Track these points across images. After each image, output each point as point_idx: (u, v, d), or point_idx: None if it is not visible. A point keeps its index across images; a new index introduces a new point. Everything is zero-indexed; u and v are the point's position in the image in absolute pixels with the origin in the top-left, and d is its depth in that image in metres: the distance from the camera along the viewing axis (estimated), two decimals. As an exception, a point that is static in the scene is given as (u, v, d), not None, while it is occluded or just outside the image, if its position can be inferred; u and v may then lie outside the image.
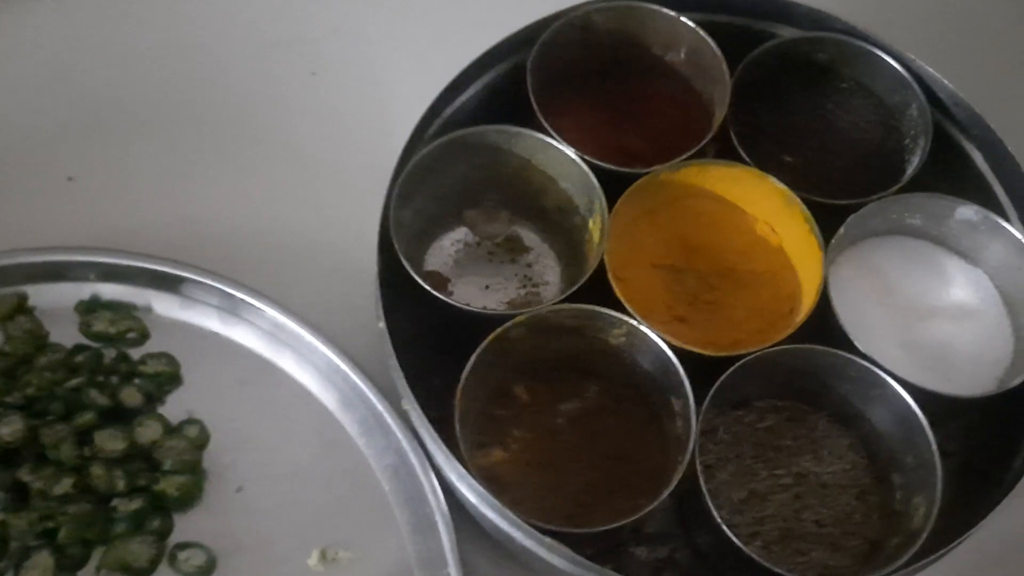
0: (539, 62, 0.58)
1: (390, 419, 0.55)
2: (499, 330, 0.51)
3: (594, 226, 0.56)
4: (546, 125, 0.56)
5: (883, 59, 0.59)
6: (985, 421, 0.54)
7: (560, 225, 0.60)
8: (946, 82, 0.57)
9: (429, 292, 0.53)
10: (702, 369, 0.51)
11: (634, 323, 0.52)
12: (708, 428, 0.54)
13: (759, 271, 0.57)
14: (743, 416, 0.54)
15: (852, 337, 0.51)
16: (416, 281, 0.53)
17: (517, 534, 0.48)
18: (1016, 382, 0.51)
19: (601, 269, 0.54)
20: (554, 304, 0.52)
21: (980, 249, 0.56)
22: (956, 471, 0.53)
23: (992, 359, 0.54)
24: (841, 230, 0.54)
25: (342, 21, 0.70)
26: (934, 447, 0.48)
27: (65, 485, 0.53)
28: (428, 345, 0.54)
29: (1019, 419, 0.52)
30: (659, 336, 0.51)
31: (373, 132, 0.63)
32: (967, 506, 0.50)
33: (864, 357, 0.50)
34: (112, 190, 0.64)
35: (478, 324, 0.52)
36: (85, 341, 0.59)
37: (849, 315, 0.52)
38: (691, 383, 0.51)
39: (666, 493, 0.48)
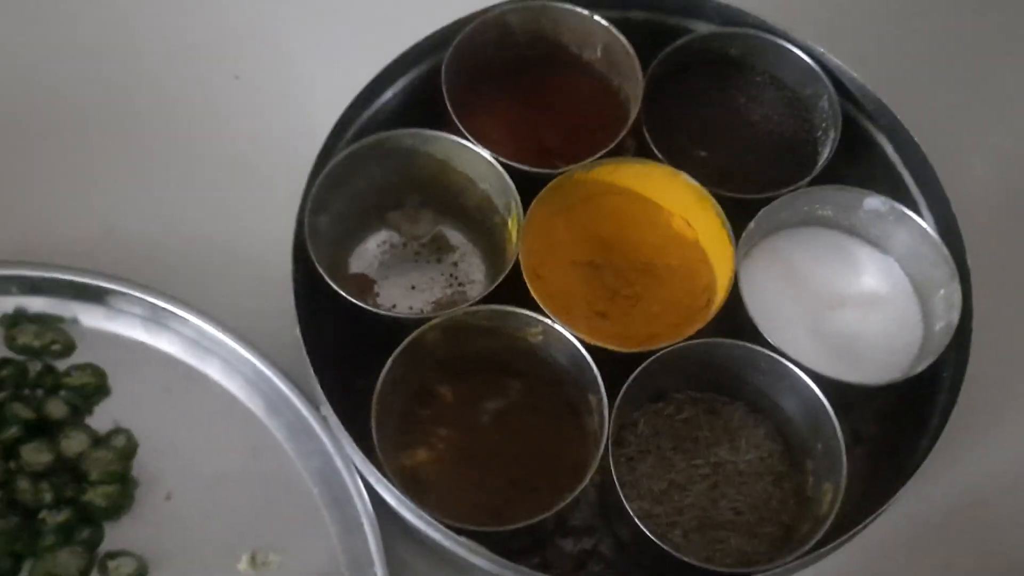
0: (454, 64, 0.58)
1: (315, 423, 0.56)
2: (414, 334, 0.52)
3: (512, 226, 0.57)
4: (461, 127, 0.57)
5: (793, 52, 0.60)
6: (898, 405, 0.55)
7: (482, 224, 0.61)
8: (854, 74, 0.58)
9: (343, 298, 0.53)
10: (619, 364, 0.52)
11: (549, 322, 0.52)
12: (628, 421, 0.55)
13: (675, 265, 0.58)
14: (662, 408, 0.55)
15: (761, 329, 0.52)
16: (331, 285, 0.53)
17: (436, 535, 0.48)
18: (919, 368, 0.52)
19: (519, 268, 0.54)
20: (469, 306, 0.53)
21: (889, 237, 0.57)
22: (868, 456, 0.55)
23: (901, 346, 0.55)
24: (751, 224, 0.55)
25: (263, 23, 0.70)
26: (839, 435, 0.50)
27: (-10, 499, 0.53)
28: (349, 349, 0.55)
29: (928, 402, 0.53)
30: (573, 335, 0.52)
31: (293, 136, 0.63)
32: (878, 491, 0.51)
33: (772, 348, 0.52)
34: (31, 202, 0.64)
35: (398, 327, 0.53)
36: (9, 354, 0.59)
37: (759, 307, 0.53)
38: (609, 378, 0.52)
39: (579, 488, 0.49)
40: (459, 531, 0.47)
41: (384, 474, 0.48)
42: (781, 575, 0.48)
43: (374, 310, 0.53)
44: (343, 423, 0.50)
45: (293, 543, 0.55)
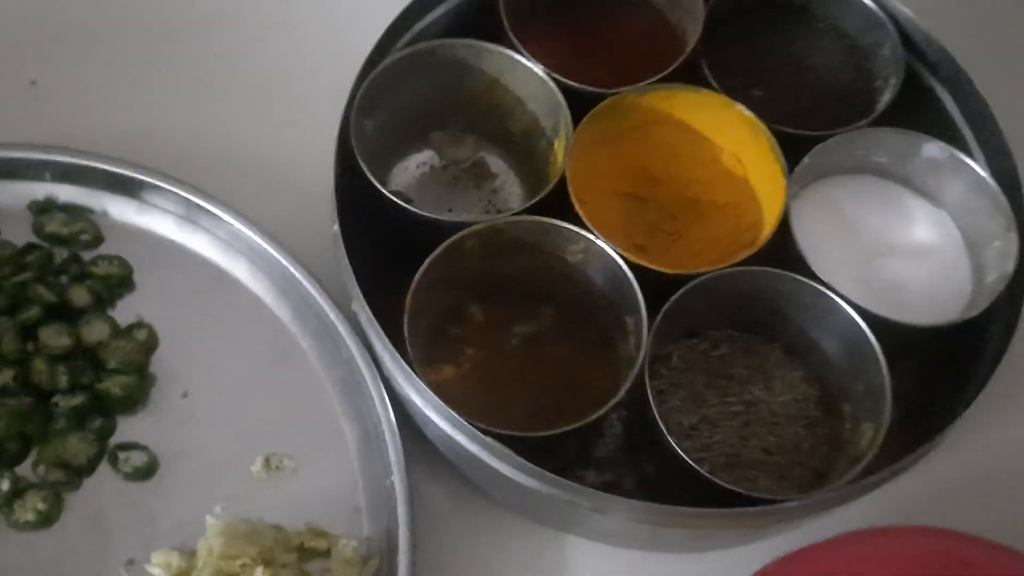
0: (513, -19, 0.57)
1: (343, 330, 0.55)
2: (454, 238, 0.51)
3: (559, 146, 0.55)
4: (516, 42, 0.56)
5: (858, -1, 0.58)
6: (939, 358, 0.53)
7: (526, 151, 0.60)
8: (920, 22, 0.57)
9: (386, 199, 0.52)
10: (658, 292, 0.51)
11: (591, 238, 0.51)
12: (662, 354, 0.53)
13: (721, 203, 0.57)
14: (697, 344, 0.54)
15: (810, 262, 0.50)
16: (372, 190, 0.52)
17: (461, 438, 0.47)
18: (972, 313, 0.50)
19: (563, 192, 0.53)
20: (511, 215, 0.52)
21: (944, 189, 0.55)
22: (907, 408, 0.53)
23: (950, 298, 0.54)
24: (806, 159, 0.53)
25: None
26: (885, 371, 0.48)
27: (5, 377, 0.53)
28: (384, 257, 0.53)
29: (972, 354, 0.52)
30: (616, 252, 0.51)
31: (340, 46, 0.61)
32: (915, 440, 0.49)
33: (820, 282, 0.50)
34: (75, 96, 0.64)
35: (435, 235, 0.52)
36: (37, 241, 0.58)
37: (808, 243, 0.51)
38: (646, 305, 0.50)
39: (614, 401, 0.47)
40: (487, 432, 0.46)
41: (414, 371, 0.47)
42: (812, 508, 0.46)
43: (414, 210, 0.52)
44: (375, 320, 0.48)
45: (310, 451, 0.54)
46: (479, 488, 0.53)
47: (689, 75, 0.57)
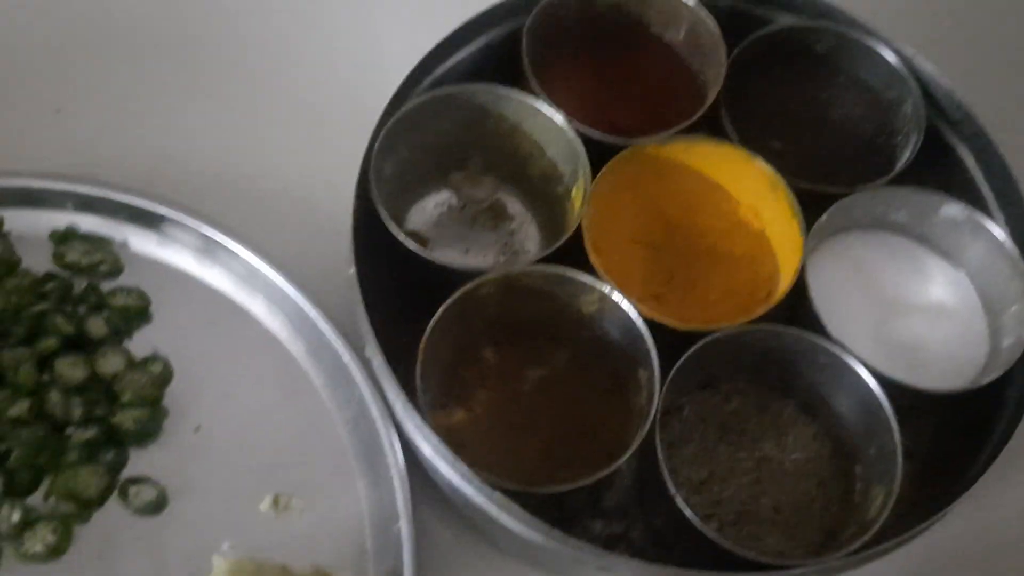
0: (536, 27, 0.58)
1: (355, 371, 0.55)
2: (469, 286, 0.51)
3: (576, 194, 0.56)
4: (537, 89, 0.56)
5: (881, 54, 0.58)
6: (952, 422, 0.53)
7: (544, 195, 0.60)
8: (943, 80, 0.57)
9: (402, 244, 0.52)
10: (673, 345, 0.51)
11: (606, 290, 0.51)
12: (674, 406, 0.53)
13: (739, 254, 0.57)
14: (710, 397, 0.54)
15: (825, 322, 0.50)
16: (390, 232, 0.52)
17: (469, 490, 0.47)
18: (986, 380, 0.50)
19: (579, 239, 0.53)
20: (527, 265, 0.52)
21: (963, 249, 0.55)
22: (919, 470, 0.53)
23: (965, 360, 0.53)
24: (824, 217, 0.53)
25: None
26: (897, 436, 0.48)
27: (21, 408, 0.53)
28: (399, 300, 0.54)
29: (986, 420, 0.51)
30: (631, 305, 0.51)
31: (363, 85, 0.62)
32: (927, 505, 0.49)
33: (835, 343, 0.50)
34: (99, 125, 0.64)
35: (450, 280, 0.52)
36: (56, 270, 0.58)
37: (824, 301, 0.51)
38: (660, 357, 0.50)
39: (621, 461, 0.47)
40: (494, 486, 0.46)
41: (425, 420, 0.47)
42: (821, 573, 0.46)
43: (429, 257, 0.52)
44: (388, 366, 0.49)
45: (318, 491, 0.54)
46: (483, 533, 0.53)
47: (709, 123, 0.57)
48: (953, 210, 0.54)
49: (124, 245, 0.59)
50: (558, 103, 0.56)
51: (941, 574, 0.53)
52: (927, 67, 0.57)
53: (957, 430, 0.52)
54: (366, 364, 0.54)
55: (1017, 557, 0.54)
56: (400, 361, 0.50)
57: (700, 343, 0.50)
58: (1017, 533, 0.54)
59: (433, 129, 0.57)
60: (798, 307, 0.52)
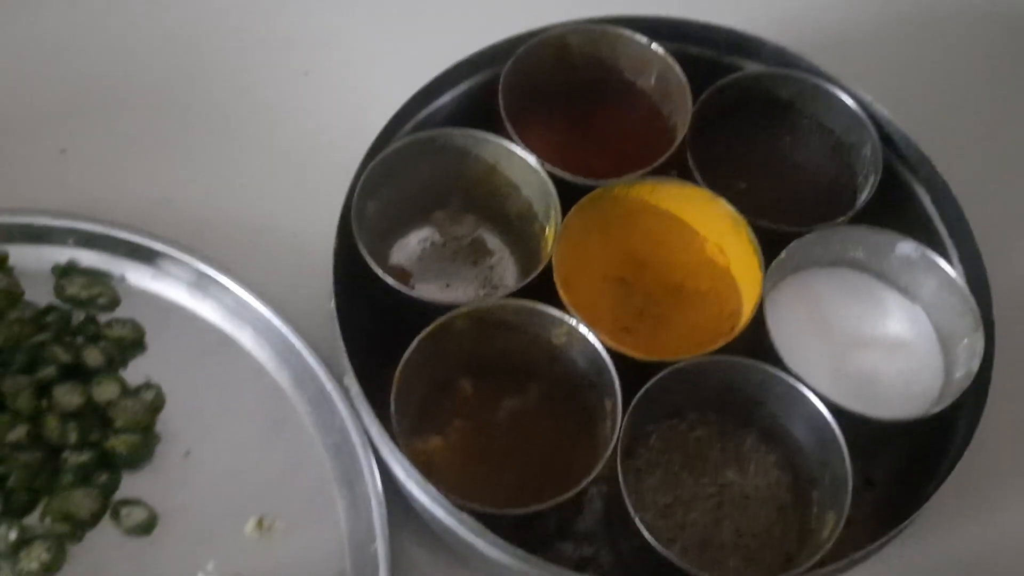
0: (512, 75, 0.61)
1: (337, 400, 0.57)
2: (443, 319, 0.53)
3: (549, 232, 0.58)
4: (512, 133, 0.59)
5: (842, 99, 0.61)
6: (909, 451, 0.55)
7: (521, 232, 0.63)
8: (899, 124, 0.60)
9: (381, 279, 0.55)
10: (640, 376, 0.53)
11: (573, 323, 0.54)
12: (641, 434, 0.56)
13: (704, 290, 0.59)
14: (676, 425, 0.56)
15: (781, 354, 0.53)
16: (370, 268, 0.55)
17: (440, 512, 0.49)
18: (935, 410, 0.52)
19: (550, 273, 0.56)
20: (499, 298, 0.55)
21: (918, 285, 0.57)
22: (878, 497, 0.55)
23: (921, 392, 0.55)
24: (783, 254, 0.56)
25: (335, 22, 0.73)
26: (847, 462, 0.50)
27: (19, 433, 0.55)
28: (378, 335, 0.56)
29: (940, 450, 0.53)
30: (596, 337, 0.53)
31: (350, 130, 0.65)
32: (878, 532, 0.51)
33: (791, 374, 0.52)
34: (101, 165, 0.67)
35: (428, 314, 0.54)
36: (57, 302, 0.61)
37: (781, 334, 0.54)
38: (627, 389, 0.52)
39: (584, 483, 0.50)
40: (462, 507, 0.48)
41: (397, 445, 0.50)
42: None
43: (405, 291, 0.55)
44: (364, 395, 0.51)
45: (301, 514, 0.56)
46: (459, 558, 0.55)
47: (678, 165, 0.60)
48: (908, 248, 0.57)
49: (122, 279, 0.62)
50: (534, 146, 0.59)
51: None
52: (884, 112, 0.60)
53: (913, 458, 0.55)
54: (347, 393, 0.57)
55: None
56: (379, 390, 0.53)
57: (661, 373, 0.52)
58: (967, 553, 0.56)
59: (415, 170, 0.60)
60: (758, 340, 0.54)
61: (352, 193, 0.56)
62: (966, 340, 0.54)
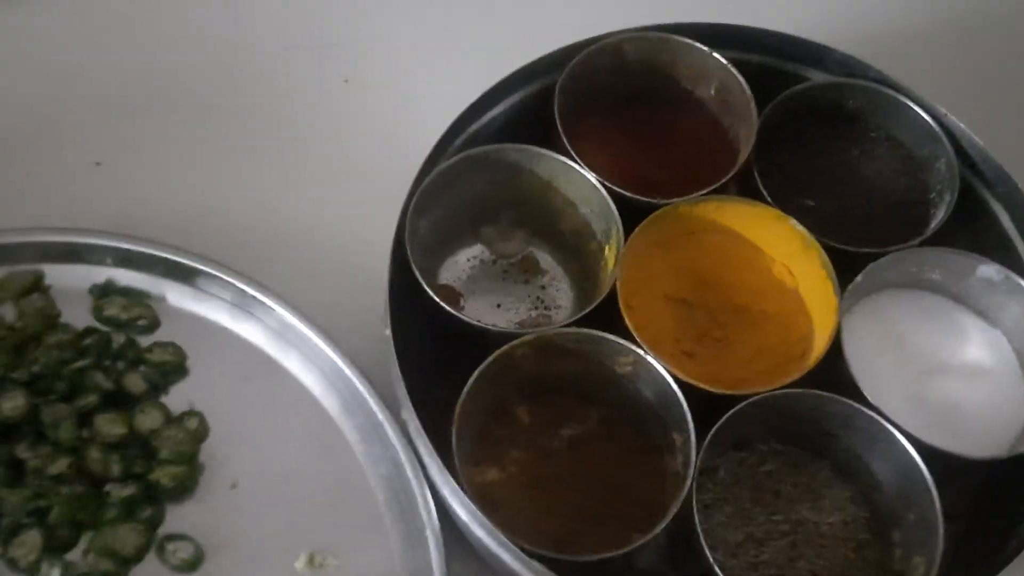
0: (568, 86, 0.58)
1: (389, 429, 0.55)
2: (504, 348, 0.51)
3: (610, 253, 0.56)
4: (570, 148, 0.56)
5: (914, 110, 0.58)
6: (992, 484, 0.53)
7: (576, 249, 0.60)
8: (976, 138, 0.57)
9: (438, 304, 0.53)
10: (705, 405, 0.51)
11: (641, 352, 0.51)
12: (708, 467, 0.53)
13: (771, 312, 0.57)
14: (745, 458, 0.54)
15: (862, 387, 0.50)
16: (426, 292, 0.53)
17: (507, 556, 0.47)
18: (1024, 447, 0.50)
19: (613, 296, 0.53)
20: (562, 327, 0.52)
21: (999, 309, 0.55)
22: (960, 533, 0.52)
23: (1003, 421, 0.53)
24: (859, 278, 0.53)
25: (376, 29, 0.71)
26: (938, 506, 0.47)
27: (61, 465, 0.53)
28: (432, 358, 0.54)
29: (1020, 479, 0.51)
30: (665, 368, 0.51)
31: (397, 142, 0.63)
32: (969, 570, 0.49)
33: (872, 408, 0.50)
34: (138, 178, 0.65)
35: (484, 341, 0.52)
36: (96, 324, 0.59)
37: (860, 365, 0.51)
38: (694, 419, 0.50)
39: (660, 527, 0.47)
40: (531, 555, 0.46)
41: (461, 487, 0.47)
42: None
43: (466, 319, 0.53)
44: (423, 428, 0.49)
45: (353, 548, 0.54)
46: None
47: (741, 181, 0.58)
48: (989, 271, 0.54)
49: (162, 299, 0.60)
50: (589, 160, 0.57)
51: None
52: (959, 125, 0.57)
53: (999, 493, 0.52)
54: (400, 422, 0.54)
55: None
56: (434, 419, 0.51)
57: (737, 408, 0.50)
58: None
59: (466, 187, 0.58)
60: (834, 369, 0.52)
61: (405, 214, 0.54)
62: (1054, 369, 0.52)
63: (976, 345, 0.55)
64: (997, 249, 0.57)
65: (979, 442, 0.51)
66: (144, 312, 0.59)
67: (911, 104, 0.58)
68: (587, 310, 0.53)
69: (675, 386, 0.50)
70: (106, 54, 0.69)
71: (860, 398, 0.50)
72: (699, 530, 0.48)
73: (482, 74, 0.59)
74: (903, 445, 0.49)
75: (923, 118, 0.58)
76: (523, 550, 0.46)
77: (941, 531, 0.47)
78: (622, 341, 0.51)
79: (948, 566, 0.48)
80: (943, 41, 0.69)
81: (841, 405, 0.50)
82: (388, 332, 0.51)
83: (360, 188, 0.64)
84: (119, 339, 0.59)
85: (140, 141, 0.66)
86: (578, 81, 0.59)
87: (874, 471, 0.52)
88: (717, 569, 0.47)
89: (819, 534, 0.52)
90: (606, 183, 0.55)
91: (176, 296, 0.60)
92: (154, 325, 0.60)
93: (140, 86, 0.68)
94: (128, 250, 0.60)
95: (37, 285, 0.59)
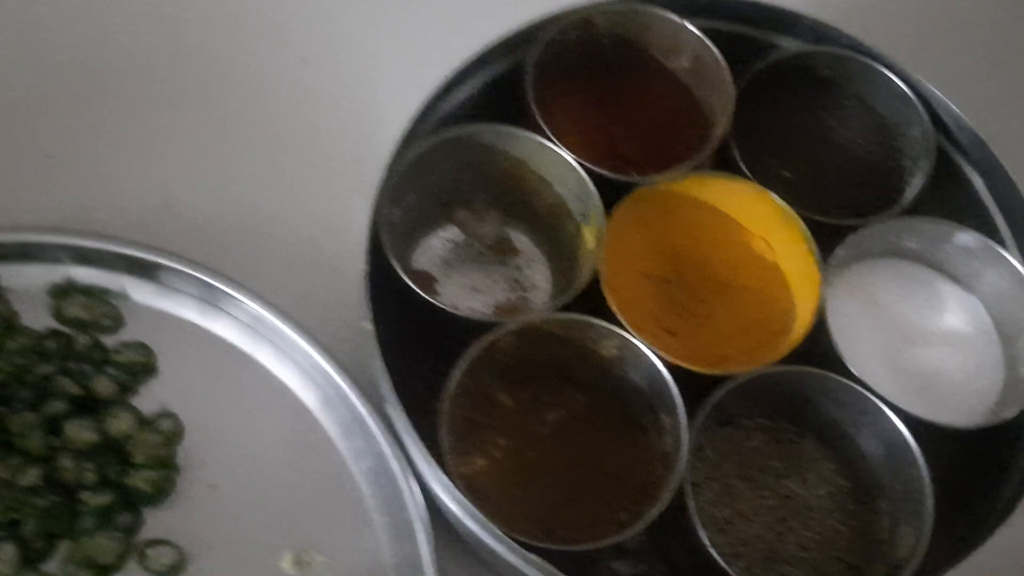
0: (539, 61, 0.57)
1: (371, 422, 0.54)
2: (491, 338, 0.50)
3: (589, 233, 0.55)
4: (544, 127, 0.55)
5: (887, 77, 0.58)
6: (973, 450, 0.53)
7: (552, 230, 0.59)
8: (951, 104, 0.57)
9: (417, 294, 0.51)
10: (690, 384, 0.51)
11: (627, 336, 0.51)
12: (695, 445, 0.53)
13: (752, 287, 0.56)
14: (730, 434, 0.54)
15: (846, 361, 0.50)
16: (403, 281, 0.51)
17: (500, 548, 0.47)
18: (1008, 414, 0.50)
19: (593, 278, 0.52)
20: (548, 314, 0.51)
21: (976, 276, 0.55)
22: (942, 500, 0.53)
23: (982, 388, 0.54)
24: (839, 251, 0.53)
25: (333, 3, 0.68)
26: (926, 477, 0.48)
27: (32, 476, 0.51)
28: (412, 348, 0.53)
29: (1009, 450, 0.52)
30: (652, 351, 0.50)
31: (363, 124, 0.61)
32: (952, 537, 0.49)
33: (858, 382, 0.50)
34: (92, 170, 0.62)
35: (465, 329, 0.51)
36: (56, 325, 0.57)
37: (844, 338, 0.51)
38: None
39: (655, 511, 0.47)
40: (524, 546, 0.45)
41: (450, 478, 0.46)
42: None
43: (451, 310, 0.52)
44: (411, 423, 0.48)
45: (339, 544, 0.53)
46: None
47: (718, 153, 0.57)
48: (966, 239, 0.54)
49: (124, 297, 0.58)
50: (563, 137, 0.55)
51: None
52: (934, 91, 0.57)
53: (980, 460, 0.53)
54: (383, 415, 0.53)
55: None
56: (417, 410, 0.50)
57: (726, 387, 0.50)
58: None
59: (439, 169, 0.56)
60: (817, 342, 0.52)
61: (379, 204, 0.52)
62: (1032, 334, 0.52)
63: (954, 312, 0.56)
64: (973, 216, 0.57)
65: (959, 409, 0.52)
66: (107, 311, 0.57)
67: (885, 71, 0.58)
68: (571, 295, 0.52)
69: (663, 368, 0.50)
70: (52, 41, 0.65)
71: (844, 371, 0.50)
72: (691, 510, 0.48)
73: (446, 50, 0.57)
74: (889, 417, 0.49)
75: (897, 85, 0.58)
76: (518, 542, 0.45)
77: (930, 501, 0.47)
78: (609, 325, 0.51)
79: (932, 535, 0.49)
80: (916, 6, 0.68)
81: (827, 380, 0.50)
82: (368, 326, 0.50)
83: (328, 174, 0.62)
84: (83, 340, 0.56)
85: (93, 132, 0.63)
86: (549, 56, 0.57)
87: (859, 443, 0.52)
88: (710, 548, 0.47)
89: (806, 507, 0.52)
90: (582, 162, 0.54)
91: (140, 293, 0.58)
92: (119, 324, 0.57)
93: (90, 74, 0.64)
94: (86, 247, 0.57)
95: (-10, 287, 0.57)
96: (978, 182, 0.57)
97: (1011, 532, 0.47)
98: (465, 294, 0.59)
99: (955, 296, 0.56)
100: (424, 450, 0.48)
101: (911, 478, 0.49)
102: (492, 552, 0.48)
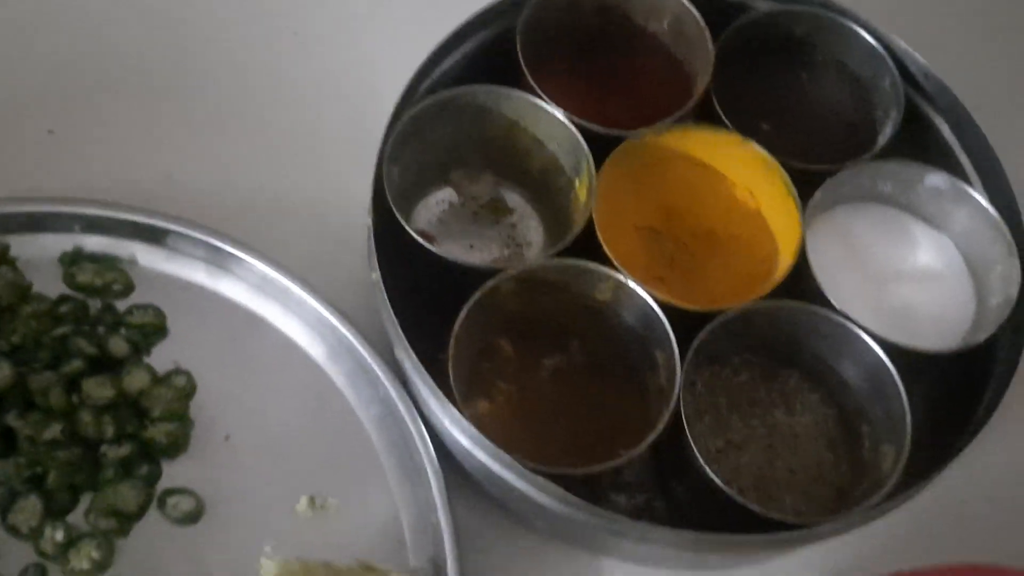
0: (528, 26, 0.59)
1: (378, 370, 0.57)
2: (492, 283, 0.52)
3: (580, 187, 0.57)
4: (536, 87, 0.58)
5: (857, 33, 0.61)
6: (945, 380, 0.56)
7: (545, 187, 0.62)
8: (917, 56, 0.60)
9: (419, 246, 0.54)
10: (681, 325, 0.53)
11: (621, 278, 0.53)
12: (687, 381, 0.55)
13: (737, 234, 0.59)
14: (720, 370, 0.57)
15: (828, 295, 0.53)
16: (405, 236, 0.54)
17: (509, 475, 0.49)
18: (980, 338, 0.53)
19: (588, 229, 0.55)
20: (546, 260, 0.54)
21: (946, 216, 0.58)
22: (919, 421, 0.56)
23: (955, 319, 0.57)
24: (818, 194, 0.56)
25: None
26: (904, 398, 0.51)
27: (54, 431, 0.53)
28: (415, 300, 0.55)
29: (979, 375, 0.55)
30: (645, 291, 0.53)
31: (359, 89, 0.64)
32: (929, 458, 0.52)
33: (840, 314, 0.53)
34: (94, 144, 0.64)
35: (466, 279, 0.53)
36: (68, 292, 0.59)
37: (825, 276, 0.54)
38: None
39: (652, 437, 0.50)
40: (536, 471, 0.48)
41: (463, 414, 0.49)
42: (839, 528, 0.49)
43: (453, 259, 0.54)
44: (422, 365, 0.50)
45: (352, 489, 0.56)
46: (517, 516, 0.55)
47: (700, 113, 0.60)
48: (936, 179, 0.57)
49: (133, 262, 0.60)
50: (553, 97, 0.58)
51: (944, 524, 0.56)
52: (901, 44, 0.60)
53: (951, 387, 0.56)
54: (389, 361, 0.56)
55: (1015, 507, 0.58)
56: (423, 359, 0.52)
57: (716, 322, 0.52)
58: (1016, 482, 0.58)
59: (435, 131, 0.59)
60: (799, 282, 0.55)
61: (381, 162, 0.54)
62: (999, 267, 0.55)
63: (926, 251, 0.59)
64: (941, 159, 0.60)
65: (935, 337, 0.55)
66: (117, 276, 0.59)
67: (855, 27, 0.61)
68: (567, 242, 0.54)
69: (656, 307, 0.53)
70: (50, 18, 0.67)
71: (828, 306, 0.53)
72: (688, 436, 0.50)
73: (438, 18, 0.59)
74: (870, 346, 0.52)
75: (867, 40, 0.61)
76: (527, 467, 0.48)
77: (908, 422, 0.51)
78: (602, 268, 0.53)
79: (911, 453, 0.52)
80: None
81: (811, 314, 0.53)
82: (376, 276, 0.52)
83: (326, 139, 0.64)
84: (96, 305, 0.58)
85: (92, 107, 0.65)
86: (537, 21, 0.60)
87: (841, 373, 0.55)
88: (708, 471, 0.50)
89: (793, 435, 0.55)
90: (573, 119, 0.57)
91: (148, 258, 0.60)
92: (129, 288, 0.59)
93: (90, 50, 0.66)
94: (94, 215, 0.59)
95: (4, 257, 0.58)
96: (944, 127, 0.60)
97: (981, 447, 0.50)
98: (462, 252, 0.61)
99: (928, 235, 0.59)
100: (435, 387, 0.50)
101: (891, 401, 0.52)
102: (502, 482, 0.50)
